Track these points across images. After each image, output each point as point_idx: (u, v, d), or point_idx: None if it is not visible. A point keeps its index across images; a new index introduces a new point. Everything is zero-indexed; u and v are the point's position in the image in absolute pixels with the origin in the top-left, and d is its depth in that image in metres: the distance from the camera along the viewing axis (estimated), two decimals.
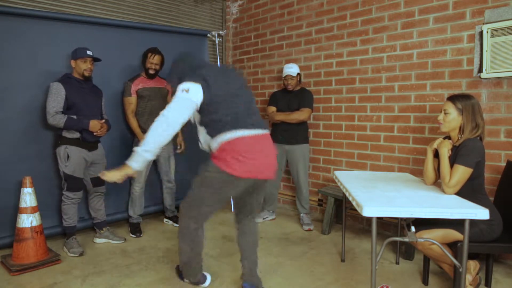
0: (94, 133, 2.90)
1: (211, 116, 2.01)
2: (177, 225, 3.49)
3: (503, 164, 2.63)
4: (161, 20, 4.20)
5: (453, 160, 2.14)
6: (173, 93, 2.02)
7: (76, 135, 2.84)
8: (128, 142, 3.55)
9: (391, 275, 2.54)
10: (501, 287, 2.38)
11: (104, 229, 3.17)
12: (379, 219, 2.12)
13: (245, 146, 1.96)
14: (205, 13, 4.64)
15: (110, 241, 3.13)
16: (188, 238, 2.15)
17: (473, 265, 2.19)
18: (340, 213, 3.52)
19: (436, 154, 2.30)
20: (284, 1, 4.20)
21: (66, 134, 2.83)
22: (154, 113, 3.24)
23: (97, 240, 3.14)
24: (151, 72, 3.31)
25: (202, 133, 2.12)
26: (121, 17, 3.84)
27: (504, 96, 2.71)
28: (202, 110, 2.02)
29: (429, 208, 1.75)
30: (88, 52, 2.85)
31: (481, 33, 2.76)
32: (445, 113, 2.20)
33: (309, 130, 3.85)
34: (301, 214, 3.66)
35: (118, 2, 3.85)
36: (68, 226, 2.93)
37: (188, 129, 2.29)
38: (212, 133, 2.04)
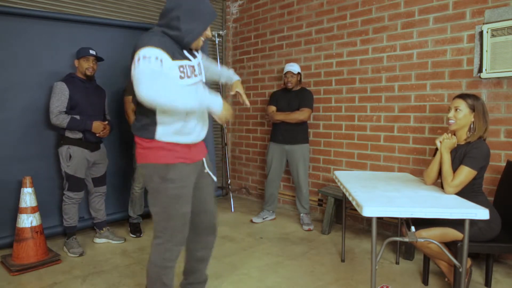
0: (97, 134, 2.90)
1: None
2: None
3: (503, 164, 2.63)
4: None
5: (459, 159, 2.14)
6: None
7: (79, 135, 2.85)
8: (130, 142, 3.57)
9: (391, 275, 2.54)
10: (501, 287, 2.38)
11: (104, 229, 3.17)
12: (379, 219, 2.12)
13: None
14: None
15: (110, 241, 3.14)
16: None
17: None
18: (340, 213, 3.52)
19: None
20: (284, 1, 4.20)
21: (68, 134, 2.83)
22: None
23: (97, 240, 3.14)
24: None
25: None
26: (121, 17, 3.84)
27: (504, 96, 2.71)
28: None
29: (429, 208, 1.75)
30: (91, 51, 2.86)
31: (481, 33, 2.76)
32: (455, 110, 2.19)
33: (309, 130, 3.85)
34: (301, 214, 3.66)
35: (118, 2, 3.85)
36: (68, 226, 2.93)
37: None
38: None
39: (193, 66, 1.72)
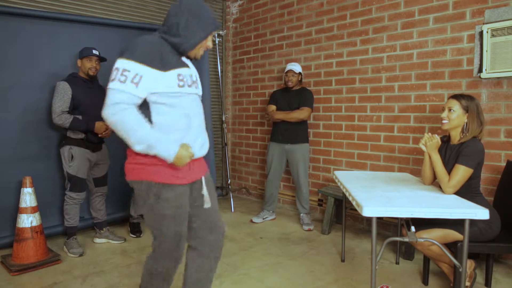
0: (99, 135, 2.90)
1: None
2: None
3: (503, 164, 2.63)
4: (161, 20, 4.19)
5: (454, 159, 2.14)
6: None
7: (81, 135, 2.85)
8: None
9: (391, 275, 2.54)
10: (501, 287, 2.38)
11: (104, 229, 3.17)
12: (379, 219, 2.12)
13: None
14: None
15: (110, 241, 3.14)
16: None
17: (469, 263, 2.20)
18: (340, 213, 3.52)
19: None
20: (284, 1, 4.20)
21: (70, 134, 2.83)
22: None
23: (97, 240, 3.14)
24: None
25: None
26: (121, 17, 3.84)
27: (504, 96, 2.71)
28: None
29: (429, 208, 1.75)
30: (94, 51, 2.86)
31: (481, 33, 2.76)
32: (449, 110, 2.20)
33: (309, 130, 3.86)
34: (301, 214, 3.66)
35: (118, 2, 3.85)
36: (69, 226, 2.93)
37: None
38: None
39: (191, 75, 1.63)
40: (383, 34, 3.35)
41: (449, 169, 2.14)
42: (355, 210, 1.93)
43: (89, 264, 2.70)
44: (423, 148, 2.21)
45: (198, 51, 1.65)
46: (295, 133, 3.59)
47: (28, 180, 2.71)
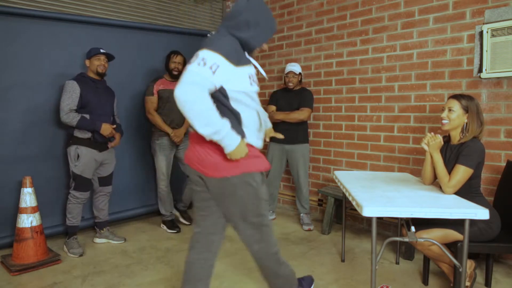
0: (105, 136, 2.93)
1: None
2: (186, 222, 3.63)
3: (503, 164, 2.63)
4: (161, 20, 4.19)
5: (454, 159, 2.14)
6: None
7: (88, 135, 2.86)
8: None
9: (391, 275, 2.54)
10: (501, 287, 2.38)
11: (104, 229, 3.17)
12: (379, 219, 2.12)
13: None
14: (205, 13, 4.64)
15: (110, 241, 3.14)
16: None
17: (469, 264, 2.20)
18: (340, 213, 3.52)
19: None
20: (284, 1, 4.20)
21: (77, 133, 2.85)
22: (168, 115, 3.32)
23: (97, 240, 3.15)
24: (175, 72, 3.35)
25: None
26: (121, 17, 3.84)
27: (504, 96, 2.71)
28: None
29: (429, 208, 1.75)
30: (102, 50, 2.91)
31: (481, 33, 2.76)
32: (449, 110, 2.20)
33: (309, 130, 3.86)
34: (301, 214, 3.66)
35: (118, 2, 3.85)
36: (70, 225, 2.94)
37: None
38: None
39: (255, 75, 1.73)
40: (383, 34, 3.35)
41: (450, 169, 2.14)
42: (355, 210, 1.93)
43: (89, 264, 2.70)
44: (425, 147, 2.21)
45: (256, 52, 1.76)
46: (295, 133, 3.59)
47: (28, 180, 2.71)
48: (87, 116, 2.83)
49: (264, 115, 1.81)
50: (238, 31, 1.62)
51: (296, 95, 3.59)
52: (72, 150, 2.85)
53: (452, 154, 2.19)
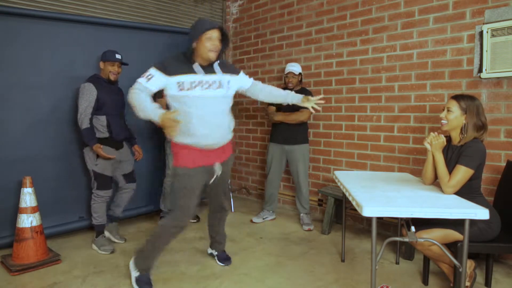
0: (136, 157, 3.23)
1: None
2: (192, 221, 3.71)
3: (503, 164, 2.63)
4: (161, 20, 4.19)
5: (455, 160, 2.14)
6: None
7: (106, 134, 2.92)
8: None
9: (391, 275, 2.54)
10: (501, 287, 2.38)
11: (113, 222, 3.23)
12: (379, 219, 2.12)
13: None
14: (205, 13, 4.64)
15: (111, 237, 3.15)
16: None
17: (469, 264, 2.19)
18: (340, 213, 3.52)
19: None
20: (284, 1, 4.20)
21: (97, 134, 2.89)
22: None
23: (105, 234, 3.18)
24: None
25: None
26: (121, 17, 3.84)
27: (504, 96, 2.71)
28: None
29: (429, 208, 1.75)
30: (117, 56, 2.95)
31: (481, 33, 2.76)
32: (448, 111, 2.19)
33: (309, 130, 3.85)
34: (301, 214, 3.66)
35: (118, 2, 3.85)
36: (97, 224, 3.00)
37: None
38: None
39: (195, 81, 2.16)
40: (383, 34, 3.35)
41: (450, 170, 2.13)
42: (355, 210, 1.93)
43: (89, 264, 2.70)
44: (428, 146, 2.20)
45: (206, 55, 2.17)
46: (295, 133, 3.59)
47: (28, 180, 2.71)
48: (104, 117, 2.90)
49: (206, 116, 2.20)
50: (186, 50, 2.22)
51: None
52: (90, 149, 2.89)
53: (453, 154, 2.19)
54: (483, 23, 2.76)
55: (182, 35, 3.99)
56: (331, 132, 3.81)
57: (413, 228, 1.95)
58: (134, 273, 2.33)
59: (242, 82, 2.48)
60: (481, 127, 2.14)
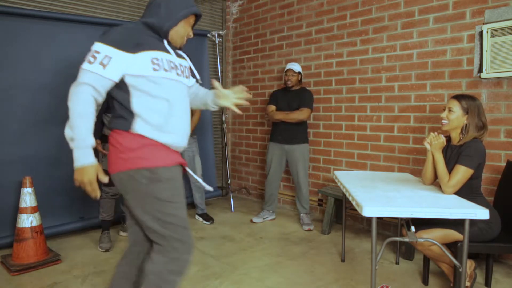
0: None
1: None
2: (207, 223, 3.69)
3: (503, 164, 2.63)
4: None
5: (454, 160, 2.14)
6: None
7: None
8: None
9: (391, 275, 2.54)
10: (501, 287, 2.38)
11: (126, 224, 3.23)
12: (379, 219, 2.12)
13: None
14: (205, 13, 4.64)
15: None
16: None
17: (469, 264, 2.19)
18: (340, 213, 3.52)
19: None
20: (284, 1, 4.20)
21: (105, 131, 2.95)
22: None
23: (122, 234, 3.31)
24: None
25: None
26: (121, 17, 3.84)
27: (504, 96, 2.71)
28: None
29: (429, 208, 1.75)
30: None
31: (481, 33, 2.76)
32: (449, 111, 2.19)
33: (309, 130, 3.86)
34: (301, 214, 3.66)
35: (118, 2, 3.85)
36: (102, 220, 3.05)
37: None
38: None
39: (172, 62, 1.58)
40: (383, 34, 3.35)
41: (450, 169, 2.13)
42: (355, 210, 1.93)
43: (89, 264, 2.70)
44: (428, 146, 2.19)
45: (181, 39, 1.63)
46: (295, 133, 3.59)
47: (28, 180, 2.71)
48: (107, 117, 2.92)
49: (182, 109, 1.62)
50: (149, 17, 1.56)
51: (296, 95, 3.59)
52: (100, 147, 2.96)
53: (453, 154, 2.19)
54: (483, 23, 2.76)
55: None
56: (331, 132, 3.81)
57: (413, 228, 1.95)
58: None
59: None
60: (482, 127, 2.15)
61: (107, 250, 2.92)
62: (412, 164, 3.21)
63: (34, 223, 2.69)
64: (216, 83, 1.83)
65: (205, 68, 4.28)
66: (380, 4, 3.37)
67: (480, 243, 2.09)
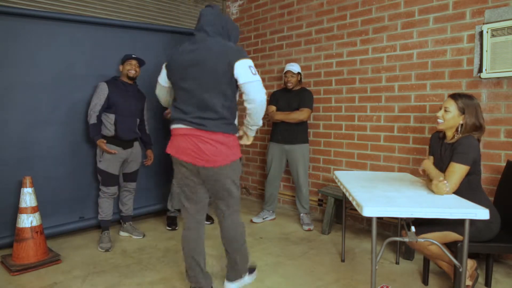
0: (144, 162, 3.36)
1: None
2: (207, 223, 3.65)
3: (503, 164, 2.63)
4: (161, 20, 4.19)
5: (449, 157, 2.13)
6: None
7: (111, 133, 3.01)
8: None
9: (391, 275, 2.54)
10: (501, 287, 2.38)
11: (127, 223, 3.31)
12: (379, 219, 2.12)
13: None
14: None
15: (131, 235, 3.26)
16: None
17: (470, 263, 2.19)
18: (340, 213, 3.52)
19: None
20: (284, 1, 4.20)
21: (103, 131, 3.00)
22: None
23: (121, 234, 3.31)
24: None
25: None
26: (121, 17, 3.84)
27: (504, 96, 2.71)
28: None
29: (429, 208, 1.75)
30: (133, 55, 3.13)
31: (481, 33, 2.76)
32: (445, 111, 2.18)
33: (309, 130, 3.86)
34: (301, 214, 3.66)
35: (118, 2, 3.86)
36: (101, 220, 3.10)
37: None
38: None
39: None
40: (383, 34, 3.35)
41: (444, 167, 2.12)
42: (355, 210, 1.93)
43: (89, 264, 2.70)
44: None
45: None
46: (295, 133, 3.59)
47: (28, 180, 2.71)
48: (113, 116, 2.99)
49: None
50: (227, 38, 2.05)
51: (296, 95, 3.59)
52: (97, 146, 3.01)
53: (447, 151, 2.18)
54: (483, 23, 2.76)
55: (182, 35, 3.99)
56: (331, 132, 3.81)
57: (413, 228, 1.95)
58: (247, 278, 2.30)
59: None
60: (478, 127, 2.13)
61: (107, 250, 2.93)
62: (412, 164, 3.21)
63: (34, 223, 2.69)
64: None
65: None
66: (380, 4, 3.37)
67: (480, 243, 2.09)
